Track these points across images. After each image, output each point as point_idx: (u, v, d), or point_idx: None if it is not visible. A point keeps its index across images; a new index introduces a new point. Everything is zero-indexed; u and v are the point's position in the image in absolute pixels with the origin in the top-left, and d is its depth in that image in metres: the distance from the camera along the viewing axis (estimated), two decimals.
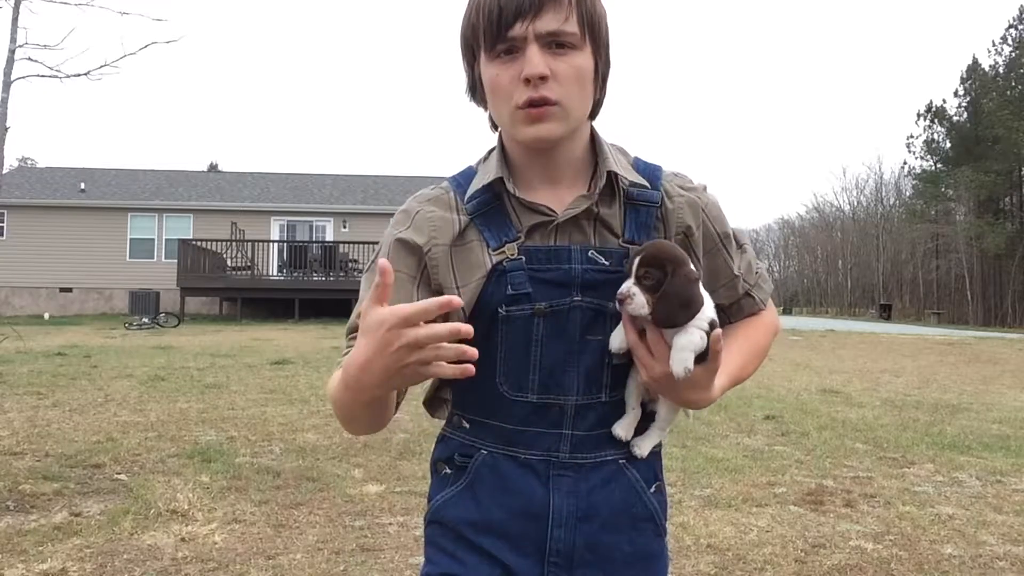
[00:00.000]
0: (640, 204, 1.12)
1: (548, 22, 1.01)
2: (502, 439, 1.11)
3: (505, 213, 1.11)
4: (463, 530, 1.11)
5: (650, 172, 1.15)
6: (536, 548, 1.10)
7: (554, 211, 1.09)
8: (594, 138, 1.14)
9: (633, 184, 1.12)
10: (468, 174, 1.17)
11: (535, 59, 1.01)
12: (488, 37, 1.03)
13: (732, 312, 1.24)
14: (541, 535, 1.09)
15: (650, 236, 1.11)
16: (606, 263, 1.09)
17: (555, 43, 1.02)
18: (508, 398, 1.09)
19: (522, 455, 1.10)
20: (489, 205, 1.11)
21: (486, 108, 1.12)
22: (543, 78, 1.01)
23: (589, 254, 1.08)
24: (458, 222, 1.12)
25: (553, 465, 1.10)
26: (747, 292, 1.23)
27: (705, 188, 1.19)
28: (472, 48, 1.08)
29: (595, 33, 1.06)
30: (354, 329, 1.10)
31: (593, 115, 1.13)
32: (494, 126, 1.15)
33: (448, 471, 1.16)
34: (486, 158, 1.16)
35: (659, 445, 1.17)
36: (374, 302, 0.87)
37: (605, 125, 1.18)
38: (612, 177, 1.11)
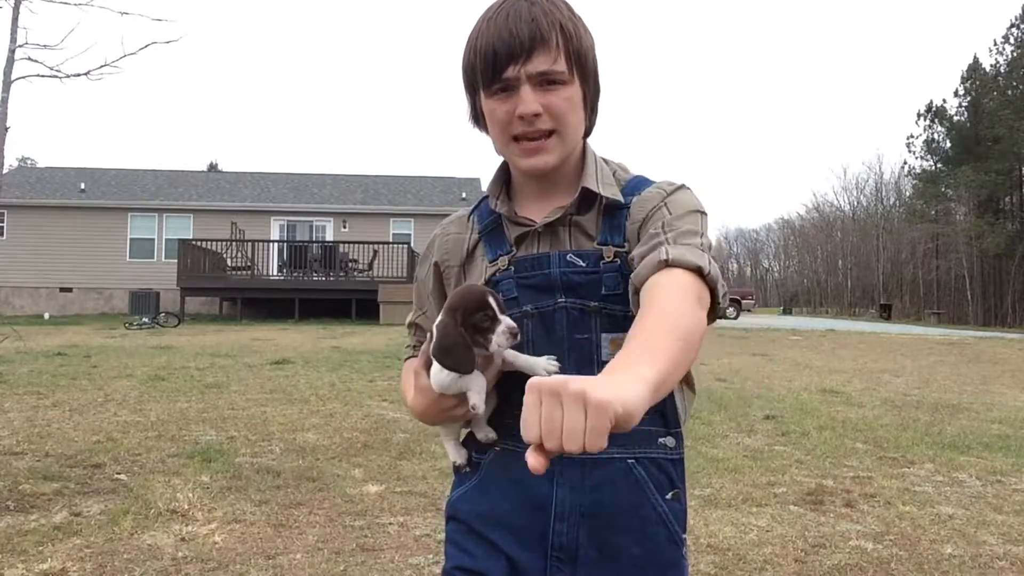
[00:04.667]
0: (615, 210, 1.20)
1: (538, 64, 1.11)
2: (512, 435, 1.17)
3: (502, 230, 1.25)
4: (474, 523, 1.19)
5: (638, 185, 1.22)
6: (540, 542, 1.14)
7: (533, 221, 1.21)
8: (584, 156, 1.23)
9: (610, 197, 1.19)
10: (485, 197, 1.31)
11: (528, 98, 1.11)
12: (485, 77, 1.14)
13: (645, 265, 1.06)
14: (544, 528, 1.14)
15: (622, 236, 1.17)
16: (583, 264, 1.17)
17: (546, 80, 1.12)
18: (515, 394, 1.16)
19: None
20: (493, 225, 1.26)
21: (488, 134, 1.23)
22: (536, 115, 1.12)
23: (567, 258, 1.17)
24: (469, 240, 1.28)
25: (557, 459, 1.12)
26: (664, 242, 1.07)
27: (684, 186, 1.21)
28: (472, 83, 1.19)
29: (583, 66, 1.15)
30: (409, 325, 1.38)
31: (587, 135, 1.23)
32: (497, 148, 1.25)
33: (467, 469, 1.25)
34: None
35: (679, 451, 1.19)
36: (425, 369, 1.15)
37: (606, 132, 1.27)
38: (589, 191, 1.19)
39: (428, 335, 1.17)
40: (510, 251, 1.21)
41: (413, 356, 1.36)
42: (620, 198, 1.19)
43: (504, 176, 1.27)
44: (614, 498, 1.13)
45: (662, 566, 1.14)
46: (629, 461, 1.14)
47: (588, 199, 1.19)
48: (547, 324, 1.15)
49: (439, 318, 1.13)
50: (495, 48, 1.11)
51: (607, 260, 1.17)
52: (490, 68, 1.12)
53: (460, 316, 1.08)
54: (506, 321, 1.08)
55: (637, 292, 1.06)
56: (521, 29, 1.10)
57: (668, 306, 0.97)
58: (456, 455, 1.24)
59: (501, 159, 1.26)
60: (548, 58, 1.11)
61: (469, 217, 1.30)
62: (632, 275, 1.08)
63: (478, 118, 1.23)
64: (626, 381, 0.78)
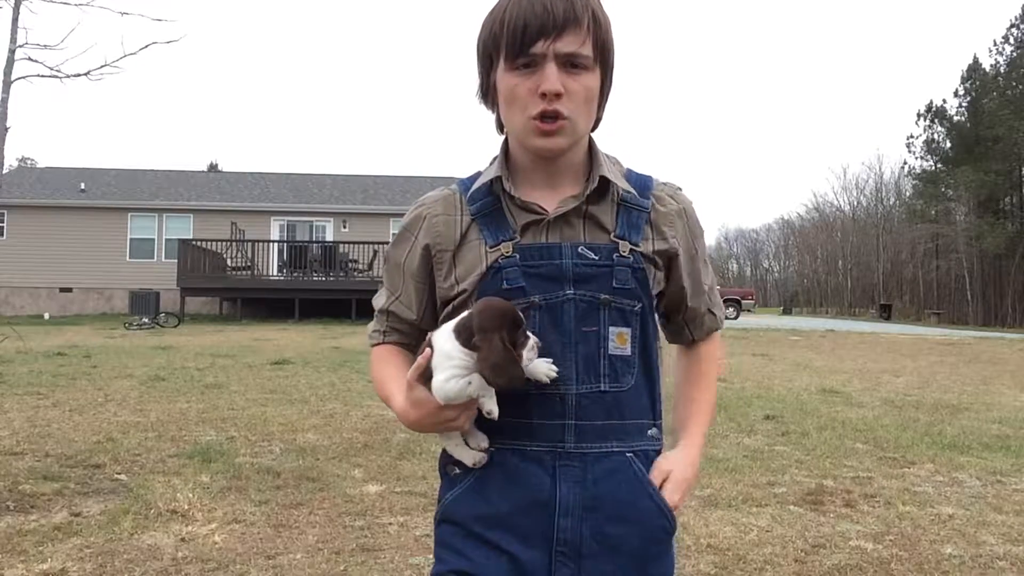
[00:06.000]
0: (632, 207, 1.19)
1: (567, 44, 1.10)
2: (509, 433, 1.15)
3: (503, 213, 1.19)
4: (472, 525, 1.16)
5: (642, 182, 1.23)
6: (544, 539, 1.13)
7: (545, 209, 1.17)
8: (592, 147, 1.22)
9: (625, 191, 1.19)
10: (475, 177, 1.25)
11: (552, 77, 1.10)
12: (510, 50, 1.11)
13: (695, 325, 1.32)
14: (548, 526, 1.13)
15: (639, 235, 1.18)
16: (595, 257, 1.16)
17: (571, 63, 1.11)
18: (513, 392, 1.13)
19: (529, 447, 1.15)
20: (490, 207, 1.20)
21: (494, 111, 1.20)
22: (558, 95, 1.10)
23: (579, 250, 1.15)
24: (461, 222, 1.21)
25: (560, 456, 1.14)
26: (710, 309, 1.32)
27: (680, 189, 1.29)
28: (491, 56, 1.16)
29: (605, 58, 1.15)
30: (382, 311, 1.30)
31: (593, 128, 1.22)
32: (500, 128, 1.21)
33: (457, 471, 1.21)
34: (491, 163, 1.24)
35: (661, 441, 1.23)
36: (420, 381, 1.09)
37: (604, 129, 1.25)
38: (604, 181, 1.18)
39: (425, 346, 1.12)
40: (513, 237, 1.17)
41: (385, 343, 1.31)
42: (636, 193, 1.20)
43: (507, 158, 1.22)
44: (614, 491, 1.14)
45: (657, 554, 1.17)
46: (628, 455, 1.16)
47: (600, 190, 1.18)
48: (554, 315, 1.13)
49: (454, 332, 1.08)
50: (527, 21, 1.08)
51: (621, 255, 1.16)
52: (518, 41, 1.09)
53: (507, 334, 1.06)
54: (533, 337, 1.10)
55: (668, 319, 1.32)
56: (556, 5, 1.08)
57: (713, 383, 1.35)
58: (468, 456, 1.17)
59: (501, 141, 1.23)
60: (578, 39, 1.10)
61: (458, 198, 1.23)
62: (687, 319, 1.31)
63: (487, 93, 1.20)
64: (697, 457, 1.25)
